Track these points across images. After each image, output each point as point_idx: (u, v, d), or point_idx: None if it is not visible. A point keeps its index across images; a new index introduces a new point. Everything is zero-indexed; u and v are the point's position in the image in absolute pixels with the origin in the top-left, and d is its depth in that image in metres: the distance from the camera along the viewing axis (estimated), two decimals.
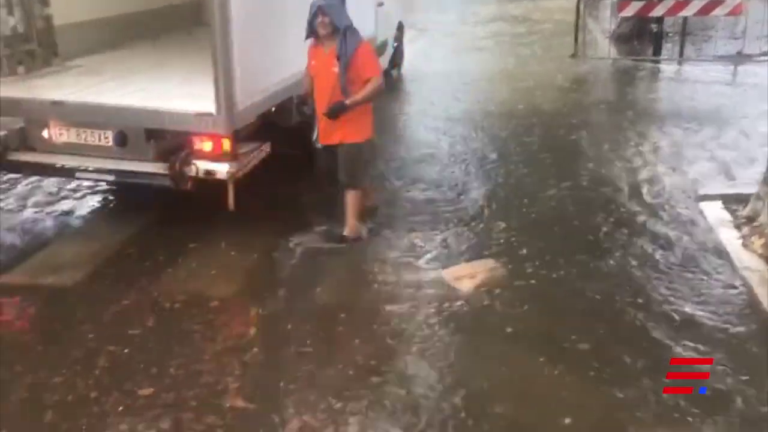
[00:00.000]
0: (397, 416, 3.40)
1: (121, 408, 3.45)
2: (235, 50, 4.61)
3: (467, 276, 4.65)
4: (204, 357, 3.86)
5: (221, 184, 4.88)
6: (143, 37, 7.13)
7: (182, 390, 3.57)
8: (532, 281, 4.65)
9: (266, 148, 5.23)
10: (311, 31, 4.81)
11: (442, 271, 4.74)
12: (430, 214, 5.68)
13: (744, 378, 3.62)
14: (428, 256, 4.98)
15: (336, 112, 4.79)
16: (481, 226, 5.46)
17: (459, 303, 4.38)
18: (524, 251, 5.02)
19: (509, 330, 4.11)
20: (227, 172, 4.83)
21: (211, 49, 4.56)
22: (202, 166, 4.86)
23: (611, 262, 4.86)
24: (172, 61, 6.31)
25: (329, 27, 4.72)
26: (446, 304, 4.36)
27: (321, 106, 4.90)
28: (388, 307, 4.35)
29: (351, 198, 5.07)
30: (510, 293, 4.50)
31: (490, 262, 4.85)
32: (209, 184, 4.91)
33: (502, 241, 5.20)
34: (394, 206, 5.85)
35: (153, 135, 4.97)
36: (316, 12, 4.71)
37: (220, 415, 3.41)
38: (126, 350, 3.92)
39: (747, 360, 3.77)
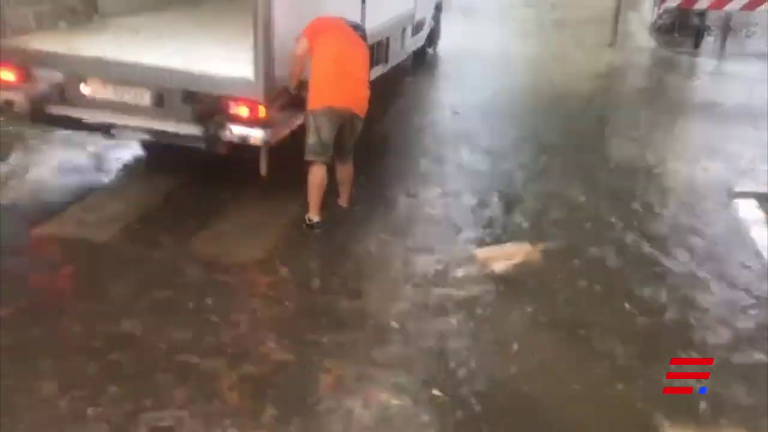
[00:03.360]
0: (420, 377, 3.49)
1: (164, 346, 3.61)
2: (276, 16, 4.61)
3: (503, 257, 4.64)
4: (238, 308, 4.00)
5: (255, 150, 4.89)
6: (185, 0, 7.14)
7: (221, 337, 3.72)
8: (566, 265, 4.65)
9: (301, 116, 5.22)
10: None
11: (476, 251, 4.74)
12: (457, 195, 5.68)
13: None
14: (462, 236, 4.98)
15: None
16: (514, 210, 5.45)
17: (493, 282, 4.40)
18: (556, 239, 4.99)
19: (537, 312, 4.12)
20: (261, 138, 4.84)
21: (252, 14, 4.55)
22: (236, 131, 4.86)
23: (643, 253, 4.84)
24: (213, 24, 6.28)
25: None
26: (480, 283, 4.38)
27: None
28: (417, 280, 4.38)
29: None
30: (544, 276, 4.50)
31: (526, 246, 4.84)
32: (243, 148, 4.92)
33: (534, 227, 5.19)
34: (419, 185, 5.86)
35: (190, 97, 4.97)
36: None
37: (255, 364, 3.54)
38: (166, 295, 4.06)
39: None
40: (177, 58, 5.09)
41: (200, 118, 4.93)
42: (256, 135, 4.84)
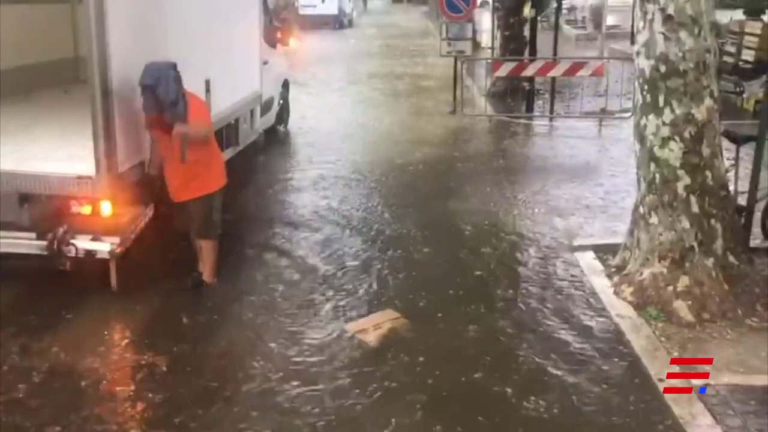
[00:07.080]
0: None
1: None
2: (116, 106, 4.52)
3: (372, 327, 4.73)
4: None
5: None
6: (16, 95, 6.78)
7: None
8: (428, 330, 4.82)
9: (149, 211, 5.03)
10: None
11: (346, 325, 4.82)
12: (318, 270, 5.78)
13: None
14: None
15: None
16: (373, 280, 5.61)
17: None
18: (419, 303, 5.17)
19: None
20: (109, 252, 4.61)
21: (90, 106, 4.44)
22: (81, 245, 4.60)
23: (498, 309, 5.11)
24: (48, 120, 6.04)
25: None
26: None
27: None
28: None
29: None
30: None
31: (390, 313, 4.95)
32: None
33: (396, 294, 5.35)
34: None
35: (27, 199, 4.72)
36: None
37: None
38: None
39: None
40: (11, 159, 4.83)
41: (40, 222, 4.67)
42: (103, 248, 4.60)
